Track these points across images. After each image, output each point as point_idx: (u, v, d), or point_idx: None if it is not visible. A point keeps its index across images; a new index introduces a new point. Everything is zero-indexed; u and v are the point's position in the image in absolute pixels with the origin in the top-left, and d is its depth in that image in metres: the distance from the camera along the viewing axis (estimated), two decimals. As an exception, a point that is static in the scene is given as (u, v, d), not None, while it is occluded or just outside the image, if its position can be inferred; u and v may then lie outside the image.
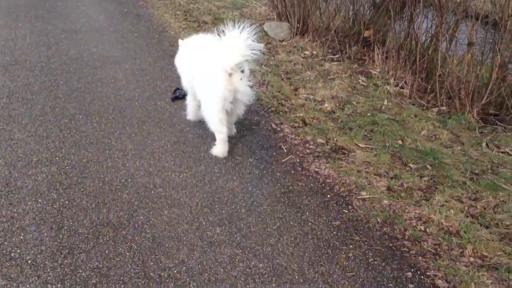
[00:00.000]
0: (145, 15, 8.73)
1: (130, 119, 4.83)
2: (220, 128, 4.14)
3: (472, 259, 3.26)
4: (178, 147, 4.36)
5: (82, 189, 3.64)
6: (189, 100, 4.72)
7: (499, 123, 5.72)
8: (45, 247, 3.04)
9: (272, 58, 7.03)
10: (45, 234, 3.15)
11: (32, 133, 4.37)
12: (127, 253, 3.06)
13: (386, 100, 5.98)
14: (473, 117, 5.79)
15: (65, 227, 3.23)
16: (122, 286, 2.80)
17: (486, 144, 5.16)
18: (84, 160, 4.03)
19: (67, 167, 3.90)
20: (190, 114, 4.82)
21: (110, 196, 3.60)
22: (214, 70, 3.93)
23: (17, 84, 5.37)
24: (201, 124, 4.75)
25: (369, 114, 5.49)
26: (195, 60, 4.24)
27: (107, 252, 3.05)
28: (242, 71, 3.93)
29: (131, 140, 4.41)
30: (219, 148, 4.26)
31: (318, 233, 3.42)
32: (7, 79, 5.45)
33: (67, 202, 3.49)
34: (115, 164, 4.01)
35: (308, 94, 5.88)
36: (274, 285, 2.92)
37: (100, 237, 3.18)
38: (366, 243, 3.36)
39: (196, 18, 8.63)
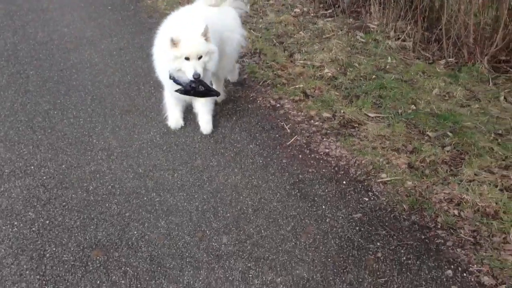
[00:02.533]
0: (117, -16, 7.99)
1: (111, 109, 4.30)
2: None
3: (517, 244, 2.85)
4: (169, 139, 3.86)
5: (64, 204, 3.17)
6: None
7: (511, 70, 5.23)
8: (25, 283, 2.60)
9: (261, 20, 6.43)
10: (25, 266, 2.70)
11: (1, 138, 3.85)
12: (122, 281, 2.62)
13: (389, 58, 5.45)
14: (484, 67, 5.29)
15: (48, 255, 2.78)
16: None
17: (504, 97, 4.69)
18: (63, 166, 3.54)
19: (44, 177, 3.41)
20: None
21: (97, 209, 3.13)
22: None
23: (-18, 79, 4.79)
24: (191, 108, 4.24)
25: (374, 76, 4.98)
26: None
27: (98, 282, 2.62)
28: None
29: (115, 135, 3.91)
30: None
31: (339, 230, 2.99)
32: (-30, 75, 4.87)
33: (47, 222, 3.02)
34: (99, 168, 3.52)
35: (305, 59, 5.33)
36: (297, 303, 2.51)
37: (89, 263, 2.73)
38: (395, 237, 2.94)
39: (173, -19, 7.91)
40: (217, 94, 3.79)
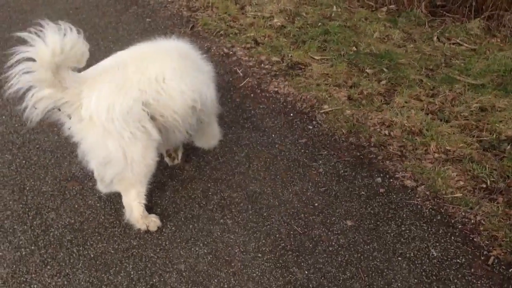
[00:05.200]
0: None
1: (73, 63, 4.53)
2: None
3: (436, 155, 3.35)
4: (130, 87, 4.16)
5: (38, 146, 3.47)
6: None
7: (447, 14, 5.70)
8: (10, 211, 2.92)
9: (212, -24, 6.65)
10: (8, 198, 3.02)
11: (-30, 94, 4.07)
12: (98, 204, 2.99)
13: (335, 7, 5.82)
14: (421, 11, 5.74)
15: (28, 188, 3.10)
16: (99, 237, 2.76)
17: (437, 37, 5.16)
18: (33, 115, 3.80)
19: (16, 125, 3.68)
20: None
21: (69, 149, 3.44)
22: None
23: None
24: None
25: (320, 23, 5.35)
26: None
27: (76, 206, 2.97)
28: None
29: (79, 86, 4.18)
30: None
31: (287, 153, 3.42)
32: None
33: (24, 161, 3.32)
34: (67, 115, 3.81)
35: (255, 11, 5.64)
36: (251, 212, 2.94)
37: (66, 192, 3.08)
38: (334, 156, 3.39)
39: None
40: None
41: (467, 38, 5.15)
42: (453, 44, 5.07)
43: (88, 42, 4.98)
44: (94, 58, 4.59)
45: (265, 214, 2.93)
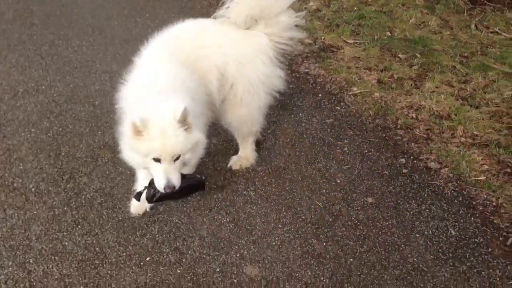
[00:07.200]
0: None
1: (111, 39, 4.70)
2: None
3: (463, 139, 3.33)
4: (164, 63, 4.28)
5: (74, 115, 3.63)
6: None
7: (488, 3, 5.58)
8: (46, 174, 3.09)
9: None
10: (44, 162, 3.19)
11: (13, 64, 4.27)
12: (128, 172, 3.11)
13: (372, -9, 5.78)
14: (461, -1, 5.64)
15: (63, 153, 3.26)
16: (127, 202, 2.89)
17: (475, 26, 5.07)
18: (71, 86, 3.98)
19: (55, 95, 3.86)
20: None
21: (103, 119, 3.60)
22: None
23: (-11, 15, 5.16)
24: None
25: (355, 8, 5.34)
26: None
27: (107, 172, 3.11)
28: None
29: (116, 60, 4.33)
30: None
31: (313, 132, 3.47)
32: (-22, 12, 5.23)
33: (60, 129, 3.49)
34: (103, 87, 3.97)
35: (291, -6, 5.67)
36: (274, 185, 3.02)
37: (98, 159, 3.22)
38: (360, 136, 3.42)
39: None
40: (202, 184, 2.57)
41: (506, 27, 5.04)
42: (491, 32, 4.97)
43: (126, 18, 5.17)
44: (131, 34, 4.78)
45: (287, 188, 3.00)
